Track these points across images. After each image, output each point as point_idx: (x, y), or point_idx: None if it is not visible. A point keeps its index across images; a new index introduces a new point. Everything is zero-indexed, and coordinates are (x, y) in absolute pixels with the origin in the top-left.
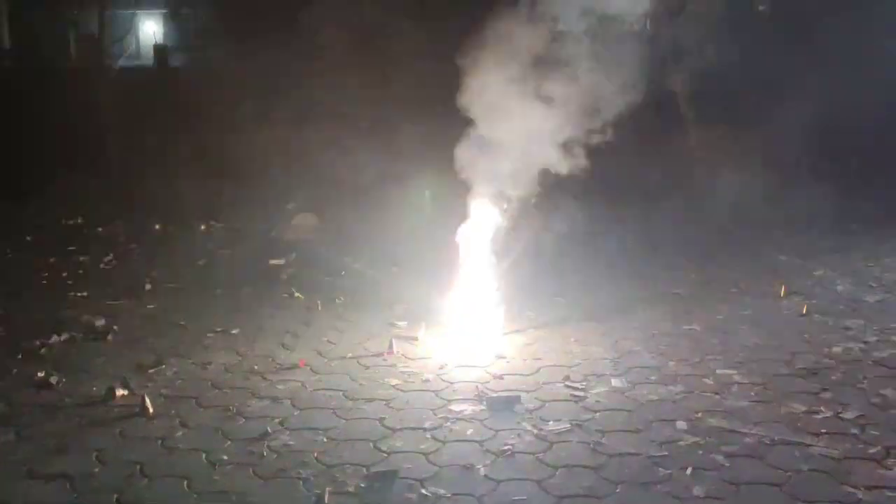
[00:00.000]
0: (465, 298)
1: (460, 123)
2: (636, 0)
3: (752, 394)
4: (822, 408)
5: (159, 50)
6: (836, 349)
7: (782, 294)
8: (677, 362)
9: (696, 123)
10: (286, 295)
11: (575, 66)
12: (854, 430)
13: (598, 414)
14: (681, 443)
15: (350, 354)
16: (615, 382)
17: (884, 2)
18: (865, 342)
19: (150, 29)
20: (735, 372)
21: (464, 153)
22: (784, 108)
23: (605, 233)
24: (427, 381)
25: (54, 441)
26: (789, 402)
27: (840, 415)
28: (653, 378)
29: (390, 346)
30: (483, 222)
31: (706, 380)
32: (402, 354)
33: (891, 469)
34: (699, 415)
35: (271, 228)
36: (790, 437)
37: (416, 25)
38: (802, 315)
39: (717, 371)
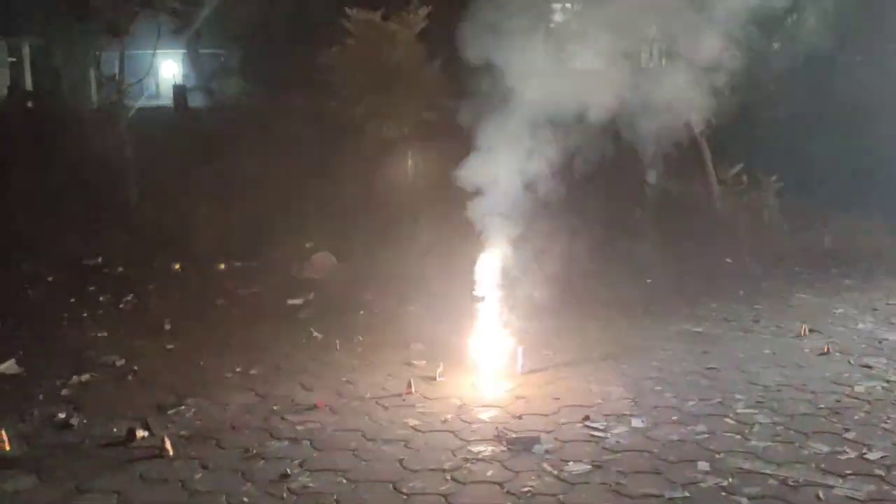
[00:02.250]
0: (484, 337)
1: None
2: None
3: (775, 434)
4: (846, 448)
5: (178, 90)
6: (859, 388)
7: (803, 332)
8: (698, 401)
9: (715, 163)
10: (305, 335)
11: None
12: (879, 471)
13: (618, 454)
14: (702, 484)
15: (369, 394)
16: (636, 422)
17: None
18: (888, 381)
19: (170, 69)
20: (757, 411)
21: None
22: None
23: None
24: (446, 421)
25: (75, 483)
26: (812, 443)
27: (864, 455)
28: (674, 418)
29: (409, 386)
30: (500, 261)
31: (728, 419)
32: (421, 394)
33: None
34: (721, 455)
35: (290, 267)
36: (814, 479)
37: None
38: (823, 353)
39: (739, 410)
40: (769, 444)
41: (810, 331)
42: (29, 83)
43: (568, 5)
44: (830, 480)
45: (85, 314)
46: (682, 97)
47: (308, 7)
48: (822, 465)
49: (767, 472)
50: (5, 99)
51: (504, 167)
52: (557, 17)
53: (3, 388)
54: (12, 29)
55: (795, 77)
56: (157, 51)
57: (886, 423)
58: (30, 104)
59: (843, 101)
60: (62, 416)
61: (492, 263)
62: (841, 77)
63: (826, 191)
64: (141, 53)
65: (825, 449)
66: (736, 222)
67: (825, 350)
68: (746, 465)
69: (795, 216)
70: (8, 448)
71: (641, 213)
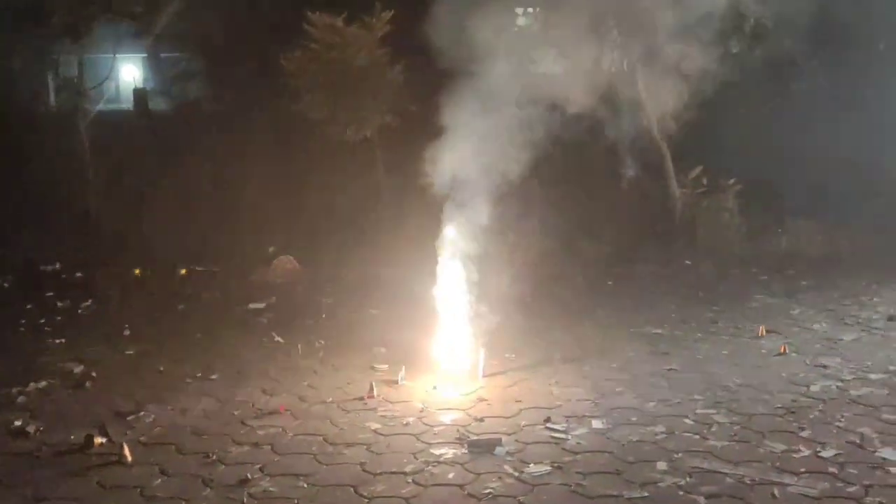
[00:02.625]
0: (446, 341)
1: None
2: None
3: (732, 433)
4: (801, 447)
5: (139, 93)
6: (815, 388)
7: (761, 333)
8: (657, 402)
9: (676, 165)
10: (266, 339)
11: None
12: (833, 469)
13: (578, 456)
14: (661, 484)
15: (330, 398)
16: (596, 424)
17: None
18: (843, 380)
19: (130, 73)
20: (715, 411)
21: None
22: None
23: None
24: (408, 424)
25: (31, 490)
26: (769, 442)
27: (819, 453)
28: (633, 419)
29: (371, 390)
30: (460, 265)
31: (686, 420)
32: (383, 398)
33: None
34: (679, 455)
35: (251, 272)
36: (770, 477)
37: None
38: (781, 354)
39: (697, 411)
40: (727, 443)
41: (768, 332)
42: None
43: (531, 10)
44: (786, 478)
45: (42, 320)
46: (643, 99)
47: (270, 11)
48: (778, 464)
49: (725, 471)
50: None
51: (469, 168)
52: (521, 22)
53: None
54: None
55: (758, 81)
56: (118, 55)
57: (840, 421)
58: None
59: (804, 105)
60: (18, 423)
61: (454, 265)
62: (803, 81)
63: (784, 194)
64: (101, 57)
65: (781, 448)
66: (695, 224)
67: (782, 350)
68: (704, 465)
69: (754, 218)
70: None
71: (615, 211)
